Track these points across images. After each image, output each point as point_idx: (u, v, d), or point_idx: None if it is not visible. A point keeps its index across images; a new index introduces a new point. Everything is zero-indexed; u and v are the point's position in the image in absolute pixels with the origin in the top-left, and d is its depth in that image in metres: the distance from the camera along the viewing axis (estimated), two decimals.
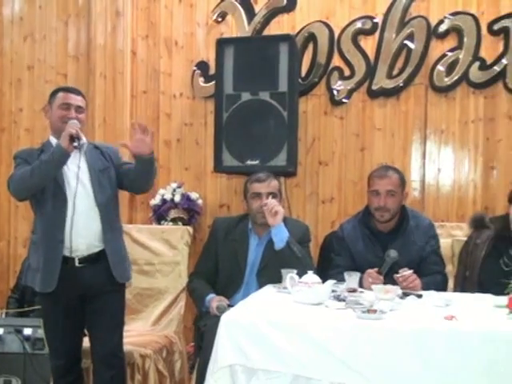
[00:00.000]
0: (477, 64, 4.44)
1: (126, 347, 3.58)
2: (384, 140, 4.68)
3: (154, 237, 4.51)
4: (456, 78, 4.48)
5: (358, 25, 4.68)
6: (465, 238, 3.68)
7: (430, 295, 2.99)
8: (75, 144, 3.15)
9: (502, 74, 4.40)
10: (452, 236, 4.17)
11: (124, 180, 3.46)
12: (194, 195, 4.86)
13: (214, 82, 4.67)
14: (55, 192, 3.25)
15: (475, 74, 4.45)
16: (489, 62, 4.43)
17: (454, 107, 4.54)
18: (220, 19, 4.97)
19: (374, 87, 4.65)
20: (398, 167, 3.88)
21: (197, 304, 3.71)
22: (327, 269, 3.63)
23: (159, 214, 4.84)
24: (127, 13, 4.99)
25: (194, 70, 5.01)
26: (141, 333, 4.22)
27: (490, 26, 4.43)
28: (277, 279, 3.25)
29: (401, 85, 4.59)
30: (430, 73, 4.54)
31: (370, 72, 4.65)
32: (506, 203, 3.45)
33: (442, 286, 3.49)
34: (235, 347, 2.47)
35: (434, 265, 3.57)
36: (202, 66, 4.99)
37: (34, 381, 3.61)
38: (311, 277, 2.86)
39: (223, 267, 3.70)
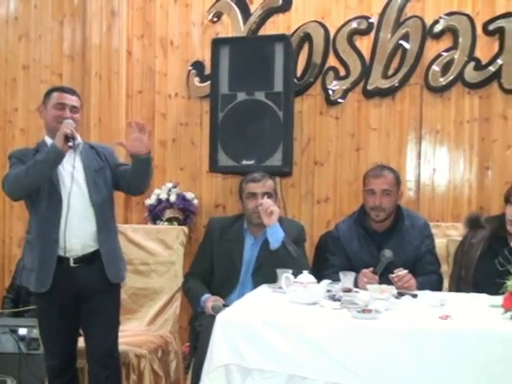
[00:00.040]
0: (472, 64, 4.45)
1: (122, 347, 3.58)
2: (379, 140, 4.68)
3: (150, 237, 4.50)
4: (451, 78, 4.49)
5: (354, 25, 4.68)
6: (460, 238, 3.68)
7: (425, 295, 2.99)
8: (70, 144, 3.14)
9: (497, 74, 4.41)
10: (447, 236, 4.17)
11: (121, 181, 3.45)
12: (189, 195, 4.86)
13: (209, 82, 4.66)
14: (50, 192, 3.24)
15: (470, 74, 4.46)
16: (484, 62, 4.43)
17: (449, 107, 4.55)
18: (215, 19, 4.97)
19: (370, 87, 4.65)
20: (394, 167, 3.88)
21: (192, 304, 3.71)
22: (322, 269, 3.63)
23: (154, 214, 4.84)
24: (122, 12, 4.99)
25: (190, 70, 5.01)
26: (136, 333, 4.21)
27: (485, 26, 4.44)
28: (272, 279, 3.24)
29: (396, 85, 4.60)
30: (426, 73, 4.54)
31: (366, 72, 4.65)
32: (501, 203, 3.46)
33: (437, 286, 3.49)
34: (230, 347, 2.47)
35: (429, 264, 3.58)
36: (198, 65, 4.99)
37: (29, 381, 3.62)
38: (306, 277, 2.86)
39: (218, 267, 3.70)
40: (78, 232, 3.24)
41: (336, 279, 3.14)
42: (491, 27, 4.43)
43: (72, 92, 3.41)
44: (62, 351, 3.38)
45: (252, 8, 4.87)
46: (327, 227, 4.57)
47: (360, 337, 2.37)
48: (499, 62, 4.39)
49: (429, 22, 4.53)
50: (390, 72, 4.61)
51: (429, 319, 2.47)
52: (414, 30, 4.55)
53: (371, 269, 3.34)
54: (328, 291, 2.92)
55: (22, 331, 3.67)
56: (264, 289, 3.22)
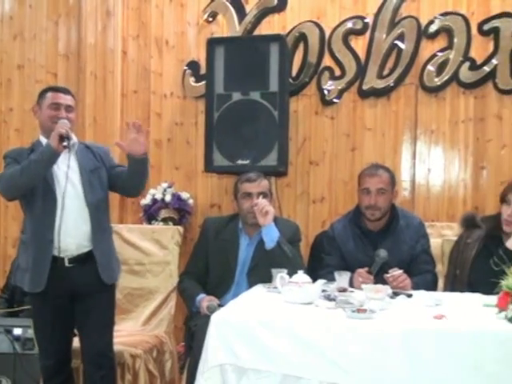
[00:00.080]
0: (467, 64, 4.46)
1: (117, 347, 3.57)
2: (374, 140, 4.69)
3: (145, 237, 4.49)
4: (446, 78, 4.50)
5: (349, 25, 4.69)
6: (455, 238, 3.68)
7: (420, 295, 2.99)
8: (65, 144, 3.13)
9: (491, 74, 4.42)
10: (442, 236, 4.18)
11: (117, 182, 3.44)
12: (184, 195, 4.85)
13: (204, 82, 4.66)
14: (45, 192, 3.23)
15: (465, 74, 4.47)
16: (479, 62, 4.44)
17: (444, 107, 4.56)
18: (211, 19, 4.97)
19: (365, 87, 4.66)
20: (389, 167, 3.88)
21: (187, 304, 3.71)
22: (317, 268, 3.64)
23: (150, 214, 4.83)
24: (118, 12, 4.99)
25: (185, 70, 5.00)
26: (131, 333, 4.20)
27: (480, 26, 4.45)
28: (267, 279, 3.24)
29: (391, 85, 4.60)
30: (421, 73, 4.55)
31: (361, 72, 4.65)
32: (496, 203, 3.47)
33: (432, 286, 3.50)
34: (225, 347, 2.47)
35: (424, 264, 3.59)
36: (193, 65, 4.99)
37: (24, 381, 3.62)
38: (301, 276, 2.86)
39: (214, 267, 3.70)
40: (72, 232, 3.24)
41: (331, 279, 3.13)
42: (486, 27, 4.44)
43: (66, 91, 3.40)
44: (57, 351, 3.37)
45: (247, 8, 4.87)
46: (322, 227, 4.57)
47: (355, 336, 2.37)
48: (494, 62, 4.40)
49: (424, 22, 4.54)
50: (385, 72, 4.62)
51: (423, 319, 2.48)
52: (409, 30, 4.55)
53: (366, 269, 3.34)
54: (323, 291, 2.91)
55: (17, 331, 3.67)
56: (259, 289, 3.22)
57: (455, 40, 4.47)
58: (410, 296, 2.98)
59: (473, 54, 4.46)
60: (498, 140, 4.46)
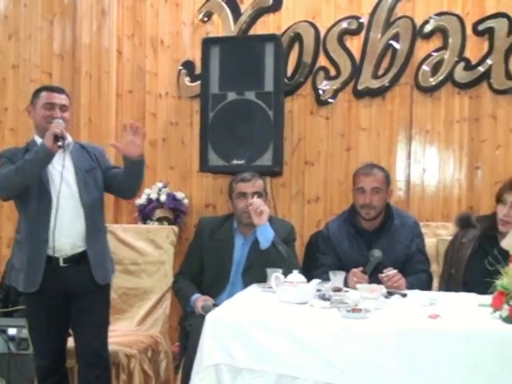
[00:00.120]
0: (462, 64, 4.46)
1: (111, 347, 3.57)
2: (369, 140, 4.69)
3: (140, 236, 4.48)
4: (441, 78, 4.50)
5: (344, 25, 4.69)
6: (450, 238, 3.69)
7: (415, 294, 3.00)
8: (59, 143, 3.12)
9: (486, 75, 4.42)
10: (437, 235, 4.19)
11: (113, 184, 3.44)
12: (179, 195, 4.85)
13: (199, 82, 4.65)
14: (40, 191, 3.23)
15: (460, 74, 4.47)
16: (473, 62, 4.45)
17: (439, 107, 4.56)
18: (206, 19, 4.96)
19: (360, 87, 4.66)
20: (384, 167, 3.89)
21: (182, 304, 3.71)
22: (312, 268, 3.64)
23: (145, 214, 4.83)
24: (113, 12, 4.98)
25: (180, 70, 5.00)
26: (126, 333, 4.20)
27: (474, 26, 4.45)
28: (262, 279, 3.24)
29: (386, 85, 4.61)
30: (416, 73, 4.55)
31: (356, 72, 4.66)
32: (491, 203, 3.48)
33: (426, 285, 3.51)
34: (220, 347, 2.47)
35: (419, 263, 3.60)
36: (188, 65, 4.98)
37: (19, 381, 3.61)
38: (296, 276, 2.86)
39: (208, 267, 3.70)
40: (67, 232, 3.23)
41: (326, 278, 3.14)
42: (481, 27, 4.44)
43: (60, 91, 3.39)
44: (52, 351, 3.36)
45: (242, 8, 4.87)
46: (317, 227, 4.57)
47: (350, 336, 2.38)
48: (489, 62, 4.41)
49: (419, 22, 4.54)
50: (380, 72, 4.62)
51: (418, 318, 2.48)
52: (404, 30, 4.56)
53: (361, 268, 3.34)
54: (318, 290, 2.92)
55: (12, 331, 3.66)
56: (254, 288, 3.22)
57: (450, 40, 4.47)
58: (404, 296, 2.99)
59: (468, 54, 4.46)
60: (493, 140, 4.46)
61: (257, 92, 4.34)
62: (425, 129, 4.60)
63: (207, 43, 4.47)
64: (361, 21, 4.65)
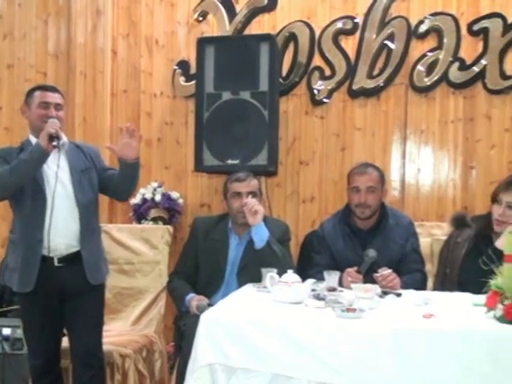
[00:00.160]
0: (456, 64, 4.47)
1: (106, 347, 3.56)
2: (364, 140, 4.69)
3: (134, 236, 4.47)
4: (436, 78, 4.51)
5: (339, 25, 4.69)
6: (444, 238, 3.69)
7: (409, 294, 3.00)
8: (54, 143, 3.11)
9: (481, 75, 4.43)
10: (431, 235, 4.19)
11: (109, 185, 3.44)
12: (174, 194, 4.85)
13: (194, 82, 4.65)
14: (34, 191, 3.22)
15: (455, 74, 4.48)
16: (468, 62, 4.46)
17: (434, 107, 4.57)
18: (201, 18, 4.96)
19: (355, 87, 4.66)
20: (378, 166, 3.89)
21: (177, 303, 3.70)
22: (307, 268, 3.64)
23: (139, 214, 4.83)
24: (108, 11, 4.98)
25: (175, 69, 5.00)
26: (120, 332, 4.19)
27: (469, 26, 4.46)
28: (257, 278, 3.24)
29: (381, 85, 4.61)
30: (410, 73, 4.56)
31: (351, 72, 4.66)
32: (486, 203, 3.49)
33: (421, 285, 3.51)
34: (215, 346, 2.47)
35: (413, 263, 3.60)
36: (183, 65, 4.98)
37: (13, 381, 3.61)
38: (291, 276, 2.86)
39: (203, 267, 3.70)
40: (62, 232, 3.23)
41: (320, 278, 3.14)
42: (476, 27, 4.45)
43: (54, 90, 3.39)
44: (46, 351, 3.36)
45: (237, 7, 4.87)
46: (312, 226, 4.57)
47: (344, 336, 2.38)
48: (483, 62, 4.42)
49: (414, 22, 4.55)
50: (375, 72, 4.63)
51: (413, 318, 2.48)
52: (398, 30, 4.56)
53: (355, 268, 3.35)
54: (313, 290, 2.92)
55: (6, 331, 3.65)
56: (249, 288, 3.21)
57: (445, 40, 4.48)
58: (399, 295, 2.99)
59: (462, 54, 4.47)
60: (488, 140, 4.47)
61: (252, 92, 4.34)
62: (419, 129, 4.60)
63: (202, 43, 4.47)
64: (356, 21, 4.66)
